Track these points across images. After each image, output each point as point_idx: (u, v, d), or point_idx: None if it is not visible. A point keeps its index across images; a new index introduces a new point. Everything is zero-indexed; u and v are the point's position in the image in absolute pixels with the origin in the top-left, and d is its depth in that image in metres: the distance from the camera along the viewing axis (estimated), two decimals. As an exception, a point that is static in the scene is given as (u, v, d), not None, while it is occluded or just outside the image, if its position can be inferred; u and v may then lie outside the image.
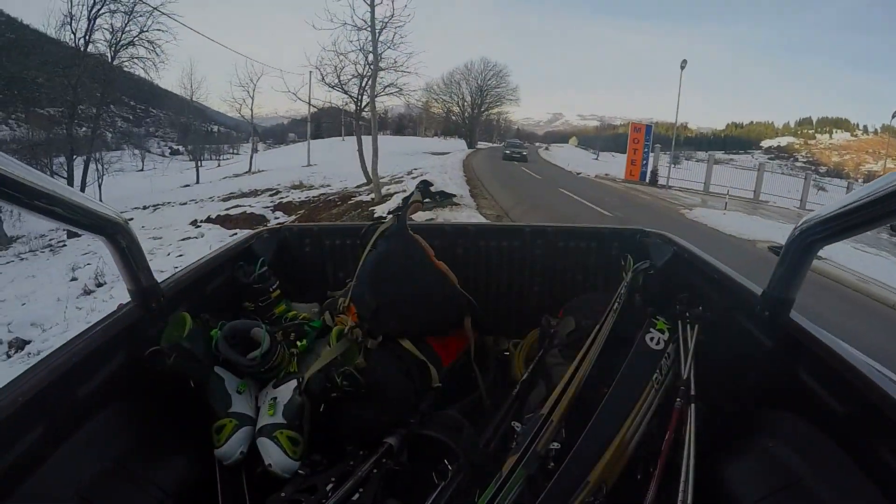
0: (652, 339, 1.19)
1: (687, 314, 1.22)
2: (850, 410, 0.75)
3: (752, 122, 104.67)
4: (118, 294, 5.83)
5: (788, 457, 0.82)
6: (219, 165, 36.82)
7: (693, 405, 1.02)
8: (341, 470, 0.97)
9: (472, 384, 1.39)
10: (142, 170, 30.57)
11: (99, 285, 6.45)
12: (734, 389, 1.07)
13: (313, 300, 1.54)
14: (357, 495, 0.91)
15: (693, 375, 1.10)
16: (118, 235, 0.87)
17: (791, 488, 0.78)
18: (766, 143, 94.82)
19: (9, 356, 4.63)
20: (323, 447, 1.09)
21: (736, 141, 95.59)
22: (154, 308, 1.00)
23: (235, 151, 47.07)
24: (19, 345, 4.80)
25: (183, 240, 9.50)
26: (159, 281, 1.03)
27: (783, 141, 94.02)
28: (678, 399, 1.06)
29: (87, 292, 6.19)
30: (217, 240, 8.70)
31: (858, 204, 0.68)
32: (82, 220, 0.78)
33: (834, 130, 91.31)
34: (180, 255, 7.49)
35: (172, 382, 1.05)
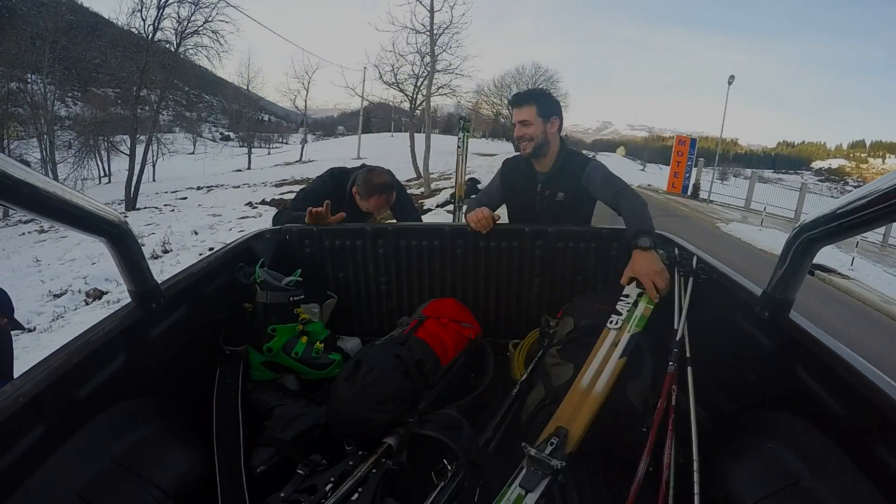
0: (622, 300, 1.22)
1: (680, 264, 1.24)
2: (849, 411, 0.75)
3: (803, 142, 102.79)
4: (185, 258, 6.37)
5: (788, 457, 0.82)
6: (269, 153, 38.23)
7: (690, 367, 1.04)
8: (341, 470, 0.97)
9: (471, 384, 1.39)
10: (193, 153, 31.81)
11: (165, 251, 6.99)
12: (734, 390, 1.07)
13: (313, 301, 1.54)
14: (356, 495, 0.91)
15: (681, 325, 1.13)
16: (119, 237, 0.87)
17: (790, 488, 0.78)
18: (816, 164, 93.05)
19: (87, 303, 5.04)
20: (322, 447, 1.09)
21: (786, 160, 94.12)
22: (154, 309, 1.00)
23: (285, 140, 49.48)
24: (97, 294, 5.20)
25: (241, 218, 10.07)
26: (159, 282, 1.04)
27: (834, 163, 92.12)
28: (670, 363, 1.08)
29: (155, 257, 6.71)
30: None
31: (858, 204, 0.68)
32: (83, 221, 0.78)
33: (888, 155, 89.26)
34: (241, 231, 8.13)
35: (172, 383, 1.06)
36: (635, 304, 1.21)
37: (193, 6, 13.45)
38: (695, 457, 0.91)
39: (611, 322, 1.18)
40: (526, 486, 0.93)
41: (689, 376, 1.04)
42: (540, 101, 1.65)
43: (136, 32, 13.27)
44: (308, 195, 1.90)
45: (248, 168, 26.31)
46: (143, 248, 1.02)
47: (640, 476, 0.93)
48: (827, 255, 7.98)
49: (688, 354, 1.09)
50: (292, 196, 2.07)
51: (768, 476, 0.82)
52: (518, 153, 1.74)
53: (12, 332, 1.63)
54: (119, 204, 13.10)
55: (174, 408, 1.02)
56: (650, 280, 1.23)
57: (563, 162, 1.69)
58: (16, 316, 1.90)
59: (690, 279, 1.20)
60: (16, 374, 0.73)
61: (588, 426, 1.00)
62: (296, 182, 17.20)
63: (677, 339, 1.11)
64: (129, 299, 0.98)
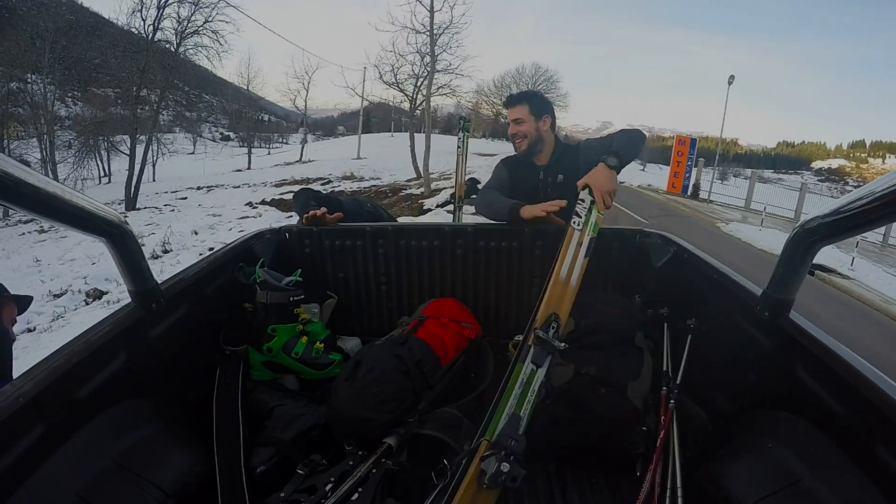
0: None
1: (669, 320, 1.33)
2: (849, 411, 0.75)
3: (803, 142, 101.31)
4: (185, 259, 6.36)
5: (788, 457, 0.82)
6: (269, 153, 38.22)
7: (674, 402, 1.09)
8: (341, 470, 0.97)
9: (471, 384, 1.39)
10: (193, 153, 31.86)
11: (166, 251, 6.97)
12: (734, 390, 1.07)
13: (313, 301, 1.54)
14: (356, 495, 0.91)
15: (674, 370, 1.19)
16: (119, 237, 0.87)
17: (790, 488, 0.78)
18: (816, 164, 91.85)
19: (87, 303, 5.02)
20: (322, 447, 1.09)
21: (786, 160, 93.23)
22: (154, 309, 1.00)
23: (285, 140, 49.55)
24: (97, 294, 5.17)
25: (241, 218, 10.09)
26: (159, 282, 1.04)
27: (834, 163, 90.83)
28: (664, 388, 1.14)
29: (155, 257, 6.71)
30: (274, 220, 9.62)
31: (858, 204, 0.68)
32: (83, 221, 0.78)
33: (888, 155, 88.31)
34: (241, 231, 8.16)
35: (172, 383, 1.06)
36: (589, 210, 1.33)
37: (193, 6, 13.49)
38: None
39: (574, 223, 1.31)
40: (536, 362, 1.05)
41: (674, 419, 1.08)
42: (532, 100, 1.74)
43: (136, 32, 13.31)
44: (340, 206, 1.89)
45: (248, 168, 26.32)
46: (143, 248, 1.02)
47: (646, 490, 0.94)
48: (827, 255, 7.96)
49: (676, 386, 1.14)
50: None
51: (768, 476, 0.82)
52: (516, 153, 1.80)
53: (19, 319, 1.59)
54: (119, 204, 13.11)
55: (174, 408, 1.02)
56: (601, 194, 1.34)
57: (560, 155, 1.77)
58: (16, 316, 1.89)
59: (689, 337, 1.23)
60: (15, 374, 0.73)
61: (568, 313, 1.18)
62: (296, 182, 17.23)
63: (677, 382, 1.15)
64: (129, 299, 0.98)
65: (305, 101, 30.43)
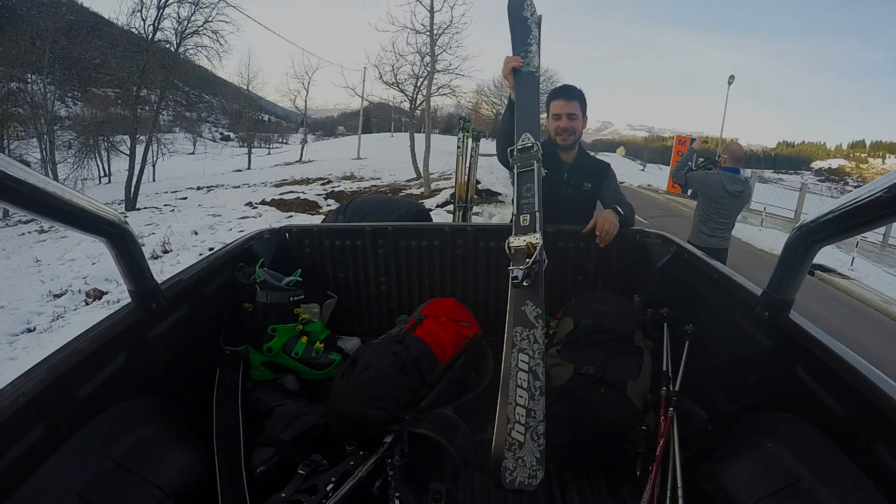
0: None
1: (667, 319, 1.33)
2: (849, 411, 0.75)
3: (803, 142, 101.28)
4: (185, 259, 6.28)
5: (788, 457, 0.82)
6: (269, 153, 38.23)
7: (673, 407, 1.10)
8: (342, 470, 0.97)
9: (470, 383, 1.39)
10: (193, 153, 31.87)
11: (165, 251, 6.90)
12: (734, 390, 1.07)
13: (313, 301, 1.54)
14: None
15: (673, 374, 1.20)
16: (119, 237, 0.87)
17: (790, 488, 0.78)
18: (816, 164, 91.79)
19: (87, 303, 4.97)
20: (323, 447, 1.09)
21: (786, 160, 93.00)
22: (154, 309, 1.00)
23: (285, 140, 49.65)
24: (97, 294, 5.12)
25: (241, 218, 10.02)
26: (159, 282, 1.04)
27: (834, 163, 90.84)
28: (664, 388, 1.14)
29: (155, 257, 6.63)
30: (274, 220, 9.50)
31: (858, 204, 0.68)
32: (83, 221, 0.78)
33: (888, 155, 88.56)
34: (241, 231, 8.10)
35: (172, 383, 1.06)
36: None
37: (193, 6, 13.43)
38: None
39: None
40: None
41: (675, 420, 1.08)
42: (583, 98, 1.72)
43: (136, 32, 13.26)
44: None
45: (248, 168, 26.25)
46: (142, 248, 1.02)
47: (646, 490, 0.95)
48: (827, 255, 7.95)
49: (676, 388, 1.15)
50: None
51: (768, 476, 0.82)
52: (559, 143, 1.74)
53: (19, 318, 1.55)
54: (119, 204, 13.08)
55: (174, 408, 1.02)
56: (603, 224, 1.54)
57: (585, 160, 1.79)
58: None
59: (686, 342, 1.24)
60: (15, 375, 0.73)
61: None
62: (296, 182, 17.23)
63: (675, 388, 1.15)
64: (129, 299, 0.98)
65: (305, 101, 30.40)
